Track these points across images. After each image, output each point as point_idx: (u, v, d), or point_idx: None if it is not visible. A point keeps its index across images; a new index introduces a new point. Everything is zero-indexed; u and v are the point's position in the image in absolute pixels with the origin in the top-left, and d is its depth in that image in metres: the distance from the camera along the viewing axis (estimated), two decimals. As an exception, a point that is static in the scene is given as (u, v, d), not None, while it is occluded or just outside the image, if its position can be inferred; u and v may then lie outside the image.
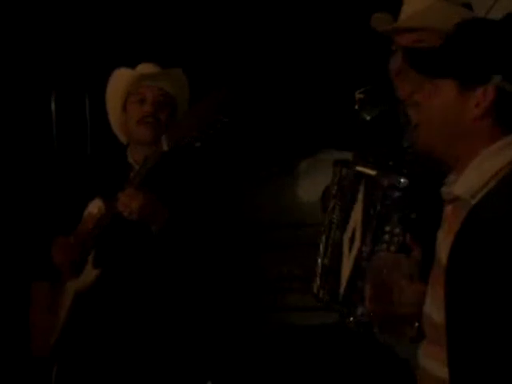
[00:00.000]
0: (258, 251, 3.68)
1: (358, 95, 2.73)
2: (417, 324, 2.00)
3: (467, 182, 1.81)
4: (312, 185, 3.53)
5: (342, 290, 2.38)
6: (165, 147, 2.79)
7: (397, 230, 2.22)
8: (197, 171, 2.99)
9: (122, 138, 3.15)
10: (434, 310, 1.85)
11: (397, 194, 2.24)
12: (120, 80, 3.04)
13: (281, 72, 3.89)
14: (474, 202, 1.77)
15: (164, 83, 3.01)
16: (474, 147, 1.81)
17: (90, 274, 2.99)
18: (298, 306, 3.53)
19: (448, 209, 1.91)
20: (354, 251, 2.35)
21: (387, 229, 2.24)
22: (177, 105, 3.05)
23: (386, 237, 2.24)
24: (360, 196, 2.38)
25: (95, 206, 3.03)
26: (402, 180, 2.23)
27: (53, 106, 3.75)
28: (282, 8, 3.86)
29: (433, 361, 1.87)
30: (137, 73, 3.04)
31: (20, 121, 3.82)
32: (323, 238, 2.50)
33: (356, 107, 2.70)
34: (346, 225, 2.43)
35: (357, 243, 2.35)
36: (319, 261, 2.50)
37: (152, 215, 2.82)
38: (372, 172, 2.34)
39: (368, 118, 2.67)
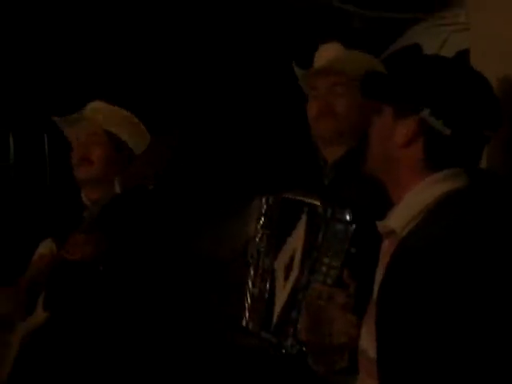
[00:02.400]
0: (220, 289, 3.64)
1: None
2: (347, 355, 2.01)
3: (399, 215, 1.82)
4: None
5: (275, 318, 2.37)
6: (117, 189, 2.79)
7: (335, 263, 2.21)
8: (149, 212, 2.97)
9: None
10: (370, 345, 1.84)
11: (339, 226, 2.24)
12: (65, 124, 3.06)
13: (238, 111, 3.92)
14: (403, 234, 1.78)
15: (97, 121, 3.00)
16: (406, 179, 1.82)
17: (39, 315, 2.95)
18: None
19: (384, 244, 1.92)
20: (291, 280, 2.35)
21: (326, 261, 2.24)
22: (121, 140, 3.02)
23: (324, 269, 2.23)
24: (301, 224, 2.37)
25: (46, 247, 3.01)
26: (346, 213, 2.23)
27: (11, 145, 3.76)
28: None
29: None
30: (72, 117, 3.05)
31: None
32: (251, 269, 2.50)
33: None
34: (278, 252, 2.43)
35: (294, 272, 2.34)
36: (248, 293, 2.49)
37: (102, 257, 2.80)
38: (316, 202, 2.35)
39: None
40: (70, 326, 2.90)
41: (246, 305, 2.48)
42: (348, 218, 2.22)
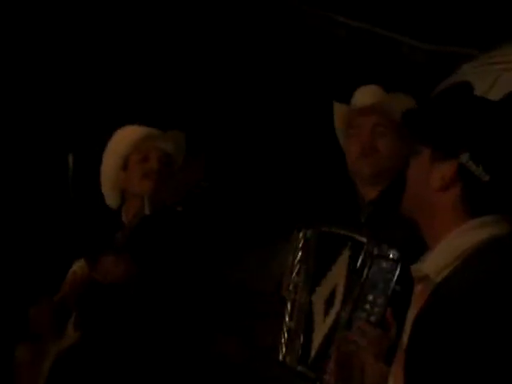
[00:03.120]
0: (249, 318, 3.65)
1: None
2: None
3: (435, 260, 1.76)
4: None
5: (313, 353, 2.35)
6: (147, 211, 2.81)
7: (379, 301, 2.18)
8: (178, 234, 2.98)
9: (112, 200, 3.13)
10: None
11: (385, 264, 2.21)
12: (125, 137, 3.08)
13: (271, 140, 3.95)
14: (438, 279, 1.73)
15: (166, 145, 3.03)
16: (443, 223, 1.76)
17: (70, 336, 2.97)
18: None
19: (417, 288, 1.87)
20: (332, 315, 2.33)
21: (370, 298, 2.20)
22: (175, 166, 3.06)
23: (368, 306, 2.20)
24: (343, 259, 2.36)
25: (79, 267, 3.03)
26: (393, 251, 2.21)
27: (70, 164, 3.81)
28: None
29: None
30: (144, 131, 3.07)
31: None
32: (288, 303, 2.48)
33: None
34: (316, 286, 2.42)
35: (336, 307, 2.33)
36: (284, 327, 2.47)
37: (132, 279, 2.82)
38: (362, 238, 2.33)
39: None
40: (100, 346, 2.91)
41: (283, 339, 2.45)
42: (395, 256, 2.20)
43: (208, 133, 3.78)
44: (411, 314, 1.83)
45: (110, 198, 3.13)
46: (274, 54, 4.02)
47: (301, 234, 2.52)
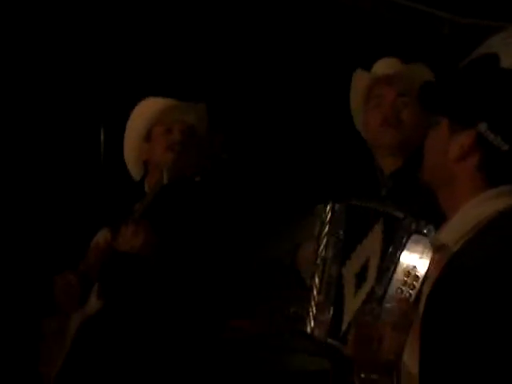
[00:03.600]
0: (267, 289, 3.66)
1: None
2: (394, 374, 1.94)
3: (452, 230, 1.77)
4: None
5: (344, 326, 2.34)
6: (165, 180, 2.82)
7: (415, 273, 2.20)
8: (196, 205, 2.99)
9: (135, 171, 3.16)
10: (412, 361, 1.79)
11: (423, 240, 2.22)
12: (149, 109, 3.07)
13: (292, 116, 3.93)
14: (455, 249, 1.73)
15: (189, 117, 3.03)
16: (461, 193, 1.77)
17: (93, 305, 3.01)
18: (301, 348, 3.48)
19: (433, 257, 1.89)
20: (365, 290, 2.32)
21: (406, 272, 2.21)
22: (198, 138, 3.06)
23: (398, 283, 2.21)
24: (376, 233, 2.35)
25: (102, 236, 3.07)
26: (429, 227, 2.21)
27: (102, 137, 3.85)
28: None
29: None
30: (167, 103, 3.07)
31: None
32: (316, 276, 2.46)
33: None
34: (346, 260, 2.40)
35: (369, 282, 2.32)
36: (313, 299, 2.45)
37: (152, 250, 2.84)
38: (398, 214, 2.32)
39: None
40: (122, 315, 2.92)
41: (311, 312, 2.43)
42: (431, 231, 2.19)
43: (229, 105, 3.78)
44: (427, 284, 1.85)
45: (133, 169, 3.14)
46: (301, 29, 4.01)
47: (328, 207, 2.50)
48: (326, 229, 2.49)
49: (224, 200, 3.04)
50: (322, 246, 2.48)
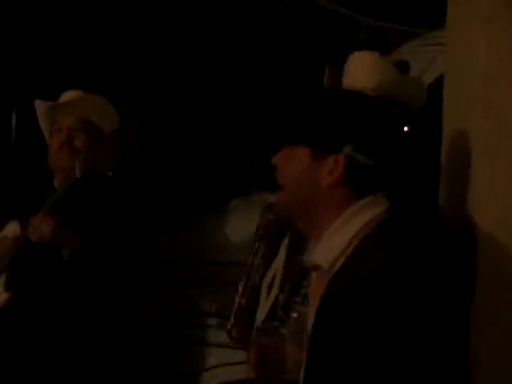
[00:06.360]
0: (178, 285, 3.67)
1: None
2: None
3: (325, 251, 1.79)
4: (240, 225, 3.54)
5: (254, 332, 2.44)
6: (78, 174, 2.83)
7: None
8: (109, 200, 2.99)
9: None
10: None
11: None
12: (38, 112, 3.07)
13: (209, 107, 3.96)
14: (334, 269, 1.76)
15: (80, 110, 2.99)
16: (330, 215, 1.79)
17: (0, 295, 2.99)
18: (214, 342, 3.53)
19: (313, 276, 1.92)
20: (272, 298, 2.42)
21: (305, 283, 2.27)
22: (101, 130, 3.04)
23: (304, 290, 2.28)
24: (284, 246, 2.47)
25: (11, 229, 3.03)
26: None
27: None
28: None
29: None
30: (48, 103, 3.06)
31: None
32: (244, 278, 2.60)
33: None
34: (267, 270, 2.53)
35: (275, 290, 2.43)
36: (236, 300, 2.60)
37: (62, 240, 2.84)
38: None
39: None
40: (30, 307, 2.93)
41: (233, 311, 2.60)
42: None
43: (142, 98, 3.78)
44: (312, 303, 1.88)
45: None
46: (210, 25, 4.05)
47: (267, 213, 2.64)
48: (259, 234, 2.65)
49: (134, 194, 3.06)
50: (253, 251, 2.64)
